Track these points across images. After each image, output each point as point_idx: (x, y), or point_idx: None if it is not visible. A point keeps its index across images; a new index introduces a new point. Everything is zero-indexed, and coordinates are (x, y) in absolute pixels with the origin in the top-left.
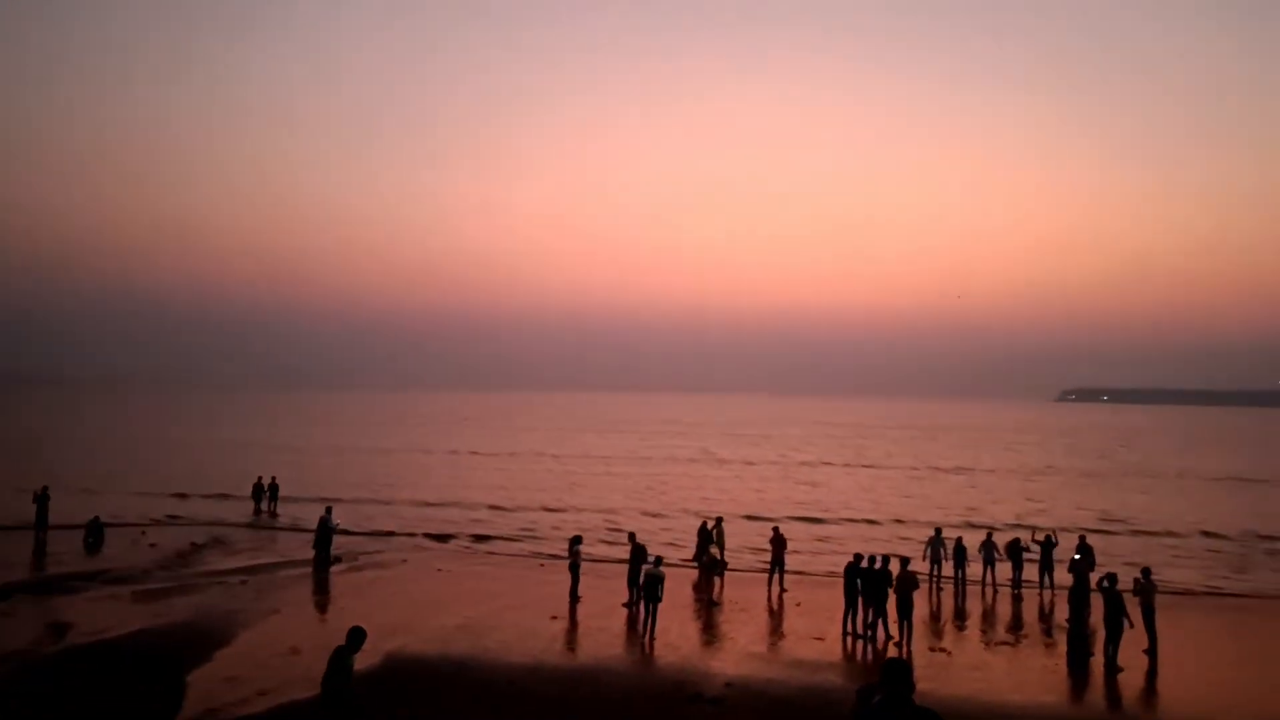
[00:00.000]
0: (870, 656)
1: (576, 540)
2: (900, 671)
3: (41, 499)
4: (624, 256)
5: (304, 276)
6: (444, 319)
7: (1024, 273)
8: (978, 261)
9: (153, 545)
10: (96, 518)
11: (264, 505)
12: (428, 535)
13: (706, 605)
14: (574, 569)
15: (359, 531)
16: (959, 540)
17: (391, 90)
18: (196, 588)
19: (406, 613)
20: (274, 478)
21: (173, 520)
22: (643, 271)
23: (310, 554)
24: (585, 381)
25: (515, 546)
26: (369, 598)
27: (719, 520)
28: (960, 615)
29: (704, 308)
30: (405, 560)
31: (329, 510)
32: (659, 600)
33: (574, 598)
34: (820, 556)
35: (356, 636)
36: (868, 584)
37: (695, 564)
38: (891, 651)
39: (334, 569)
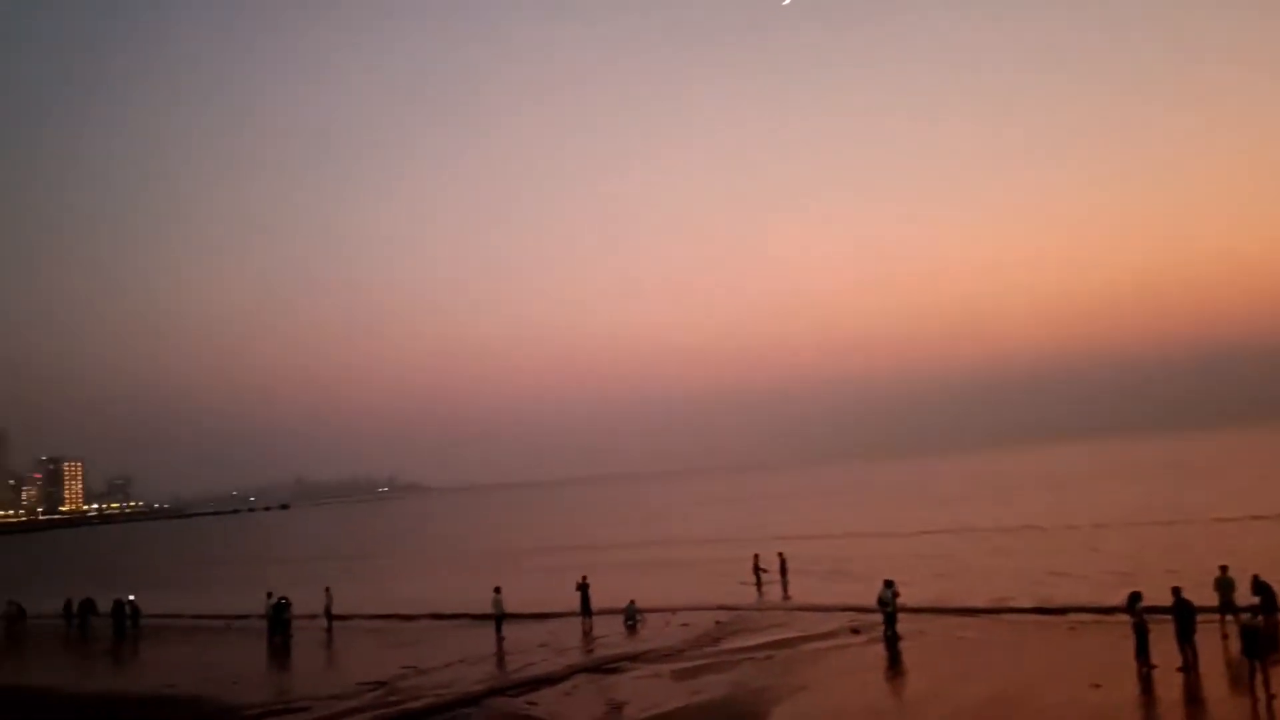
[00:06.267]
0: None
1: (1135, 598)
2: None
3: (583, 588)
4: None
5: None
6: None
7: None
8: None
9: (684, 625)
10: (632, 602)
11: (764, 584)
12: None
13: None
14: (1139, 629)
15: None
16: None
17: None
18: (727, 664)
19: (934, 683)
20: (781, 554)
21: (693, 605)
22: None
23: (823, 629)
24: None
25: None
26: (890, 668)
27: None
28: None
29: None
30: (923, 631)
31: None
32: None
33: (1142, 662)
34: None
35: None
36: None
37: (1223, 618)
38: None
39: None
